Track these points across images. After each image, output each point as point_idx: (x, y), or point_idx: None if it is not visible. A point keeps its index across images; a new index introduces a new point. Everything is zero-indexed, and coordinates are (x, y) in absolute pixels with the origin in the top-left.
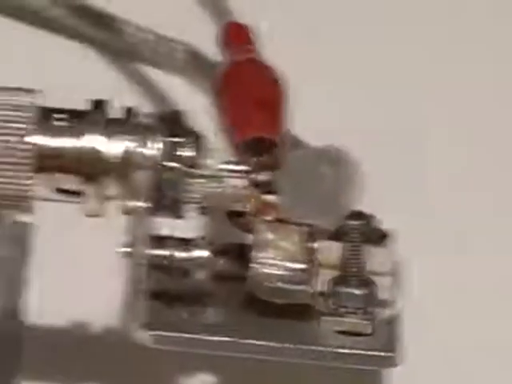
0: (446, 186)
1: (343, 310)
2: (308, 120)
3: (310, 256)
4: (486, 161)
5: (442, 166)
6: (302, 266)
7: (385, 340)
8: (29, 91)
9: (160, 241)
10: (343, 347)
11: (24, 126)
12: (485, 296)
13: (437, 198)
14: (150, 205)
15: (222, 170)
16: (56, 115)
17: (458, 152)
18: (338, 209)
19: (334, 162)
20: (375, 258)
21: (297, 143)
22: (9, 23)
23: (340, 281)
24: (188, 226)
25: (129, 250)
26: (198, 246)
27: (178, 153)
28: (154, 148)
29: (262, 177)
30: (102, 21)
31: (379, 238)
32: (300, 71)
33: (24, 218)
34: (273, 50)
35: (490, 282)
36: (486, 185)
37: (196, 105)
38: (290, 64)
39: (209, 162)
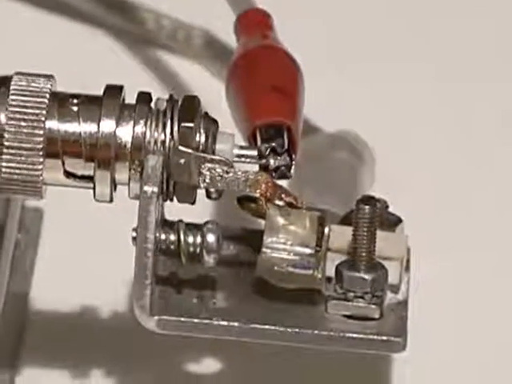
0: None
1: (351, 294)
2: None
3: (320, 240)
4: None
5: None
6: (312, 250)
7: (393, 325)
8: (45, 76)
9: (169, 225)
10: (351, 331)
11: (38, 111)
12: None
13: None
14: (159, 190)
15: (233, 155)
16: (71, 100)
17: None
18: (350, 194)
19: (348, 147)
20: (386, 243)
21: (311, 129)
22: (27, 9)
23: (349, 265)
24: (197, 210)
25: (137, 234)
26: (207, 231)
27: (191, 138)
28: (166, 133)
29: (275, 162)
30: (119, 6)
31: (391, 223)
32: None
33: (34, 202)
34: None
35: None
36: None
37: (210, 90)
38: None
39: (221, 146)
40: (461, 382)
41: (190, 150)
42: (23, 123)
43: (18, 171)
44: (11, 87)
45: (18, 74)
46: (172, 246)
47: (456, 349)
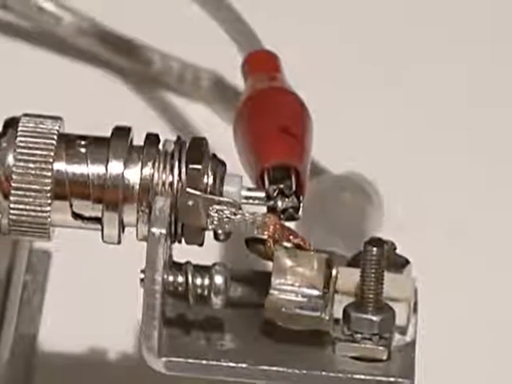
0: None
1: (359, 336)
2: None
3: (327, 282)
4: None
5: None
6: (320, 292)
7: (401, 366)
8: (52, 118)
9: (176, 267)
10: (359, 373)
11: (46, 152)
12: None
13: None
14: (167, 231)
15: (241, 196)
16: (79, 142)
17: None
18: (358, 235)
19: (356, 189)
20: (393, 285)
21: (319, 170)
22: (37, 51)
23: (356, 307)
24: (205, 252)
25: (145, 276)
26: (215, 273)
27: (199, 180)
28: (174, 175)
29: (283, 204)
30: (126, 47)
31: (398, 265)
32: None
33: (41, 244)
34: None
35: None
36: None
37: (218, 132)
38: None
39: (228, 188)
40: None
41: (198, 192)
42: (31, 164)
43: (25, 213)
44: (19, 128)
45: (25, 115)
46: (180, 288)
47: None
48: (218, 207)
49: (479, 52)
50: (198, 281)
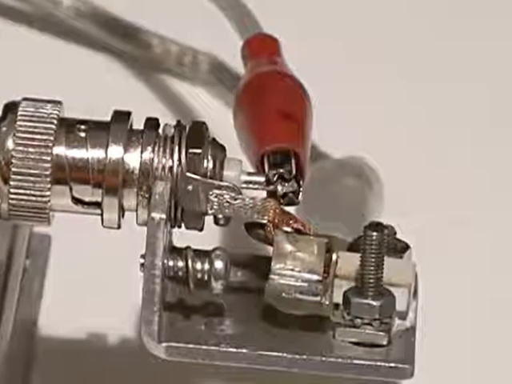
0: None
1: (359, 321)
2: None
3: (327, 267)
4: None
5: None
6: (320, 277)
7: (401, 351)
8: (52, 102)
9: (177, 252)
10: (359, 358)
11: (46, 137)
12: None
13: None
14: (167, 216)
15: (241, 181)
16: (79, 126)
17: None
18: (358, 220)
19: (357, 173)
20: (393, 270)
21: (320, 155)
22: (37, 35)
23: (356, 292)
24: (205, 237)
25: (145, 261)
26: (215, 258)
27: (199, 164)
28: (174, 159)
29: (283, 189)
30: (125, 31)
31: (398, 250)
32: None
33: (41, 228)
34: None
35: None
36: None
37: (218, 116)
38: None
39: (228, 173)
40: None
41: (197, 177)
42: (31, 149)
43: (25, 197)
44: (19, 113)
45: (25, 99)
46: (180, 273)
47: (465, 376)
48: (217, 192)
49: (478, 46)
50: (198, 266)
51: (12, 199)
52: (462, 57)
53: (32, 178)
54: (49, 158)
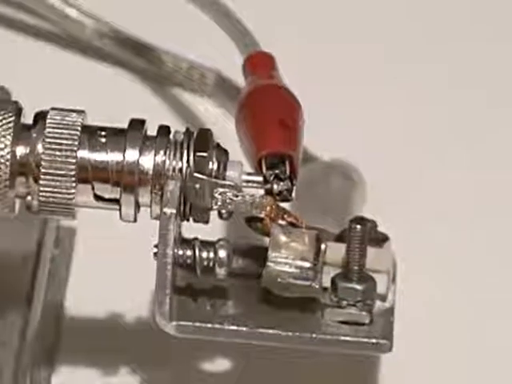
0: None
1: (345, 302)
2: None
3: (317, 255)
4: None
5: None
6: (310, 264)
7: (381, 329)
8: (77, 112)
9: (185, 242)
10: (344, 335)
11: (71, 142)
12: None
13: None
14: (177, 211)
15: (242, 180)
16: (100, 132)
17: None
18: (344, 215)
19: (345, 174)
20: (375, 258)
21: (310, 157)
22: (65, 53)
23: (343, 277)
24: (210, 229)
25: (157, 250)
26: (219, 247)
27: (205, 166)
28: (183, 161)
29: (278, 187)
30: (141, 49)
31: (379, 240)
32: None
33: (67, 222)
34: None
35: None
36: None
37: (221, 124)
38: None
39: (231, 173)
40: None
41: (204, 177)
42: (58, 153)
43: (53, 195)
44: (47, 121)
45: (53, 109)
46: (188, 261)
47: (435, 349)
48: (221, 190)
49: (472, 52)
50: (204, 254)
51: (41, 196)
52: (450, 61)
53: (59, 178)
54: (73, 161)
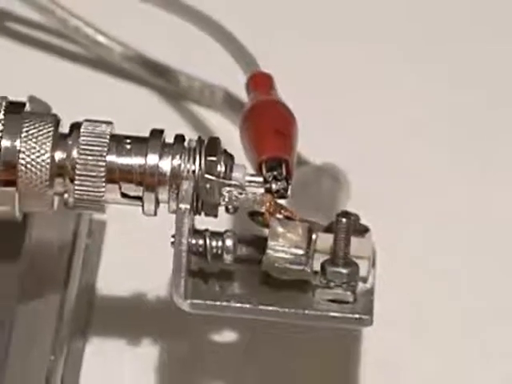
0: None
1: (332, 283)
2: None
3: (309, 244)
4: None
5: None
6: (303, 251)
7: (363, 306)
8: (106, 122)
9: (198, 233)
10: (332, 311)
11: (101, 148)
12: None
13: None
14: (191, 207)
15: (245, 180)
16: (125, 140)
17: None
18: (331, 210)
19: (331, 176)
20: (358, 246)
21: (303, 161)
22: (94, 73)
23: (330, 262)
24: (219, 222)
25: (174, 240)
26: (226, 237)
27: (214, 168)
28: (196, 165)
29: (276, 186)
30: (160, 70)
31: (361, 231)
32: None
33: (98, 215)
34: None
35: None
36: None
37: (228, 133)
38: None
39: (236, 174)
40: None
41: (213, 178)
42: (90, 157)
43: (86, 193)
44: (81, 130)
45: (86, 120)
46: (200, 248)
47: (410, 324)
48: (228, 189)
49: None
50: (214, 243)
51: (76, 194)
52: (431, 64)
53: (91, 179)
54: (103, 164)
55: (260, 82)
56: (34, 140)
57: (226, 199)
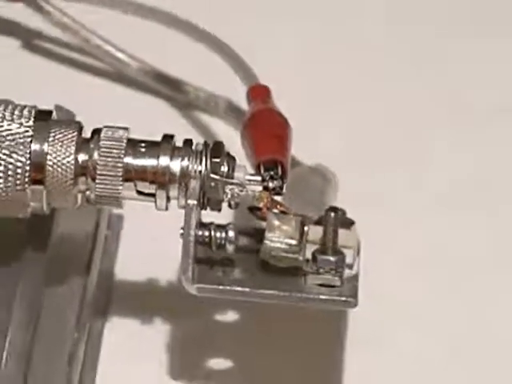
0: None
1: (322, 270)
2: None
3: (301, 235)
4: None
5: None
6: (297, 242)
7: (349, 290)
8: (123, 128)
9: (204, 225)
10: (322, 294)
11: (119, 151)
12: None
13: None
14: (198, 202)
15: (245, 179)
16: (140, 144)
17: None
18: (322, 205)
19: (322, 175)
20: (344, 237)
21: (297, 163)
22: (113, 85)
23: (320, 251)
24: (222, 216)
25: (183, 231)
26: (228, 229)
27: (218, 169)
28: (202, 166)
29: (273, 184)
30: (170, 82)
31: (348, 224)
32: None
33: (117, 210)
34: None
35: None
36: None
37: (231, 138)
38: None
39: (237, 174)
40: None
41: (217, 177)
42: (109, 159)
43: (105, 190)
44: (101, 135)
45: (106, 126)
46: (206, 239)
47: (392, 305)
48: (230, 187)
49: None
50: (218, 234)
51: (97, 191)
52: (410, 65)
53: (110, 178)
54: (121, 165)
55: (258, 93)
56: (59, 144)
57: (229, 196)
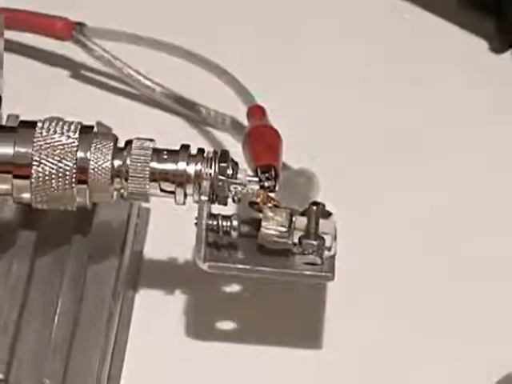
0: None
1: (306, 252)
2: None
3: (291, 224)
4: None
5: None
6: (287, 229)
7: (328, 267)
8: (149, 140)
9: (213, 216)
10: (307, 271)
11: (146, 157)
12: None
13: None
14: (209, 198)
15: (246, 180)
16: (163, 152)
17: None
18: (306, 200)
19: (306, 176)
20: (324, 225)
21: (286, 167)
22: (140, 106)
23: (305, 237)
24: (228, 208)
25: (197, 221)
26: (233, 219)
27: (225, 171)
28: (212, 169)
29: (267, 184)
30: (188, 104)
31: (327, 214)
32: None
33: (145, 204)
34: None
35: None
36: None
37: (235, 148)
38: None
39: (239, 176)
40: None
41: (224, 178)
42: (138, 164)
43: (136, 189)
44: (132, 145)
45: (136, 138)
46: (215, 227)
47: (363, 278)
48: (234, 186)
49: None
50: (224, 223)
51: (129, 189)
52: (395, 69)
53: (139, 179)
54: (148, 169)
55: (256, 112)
56: (99, 152)
57: (233, 193)
